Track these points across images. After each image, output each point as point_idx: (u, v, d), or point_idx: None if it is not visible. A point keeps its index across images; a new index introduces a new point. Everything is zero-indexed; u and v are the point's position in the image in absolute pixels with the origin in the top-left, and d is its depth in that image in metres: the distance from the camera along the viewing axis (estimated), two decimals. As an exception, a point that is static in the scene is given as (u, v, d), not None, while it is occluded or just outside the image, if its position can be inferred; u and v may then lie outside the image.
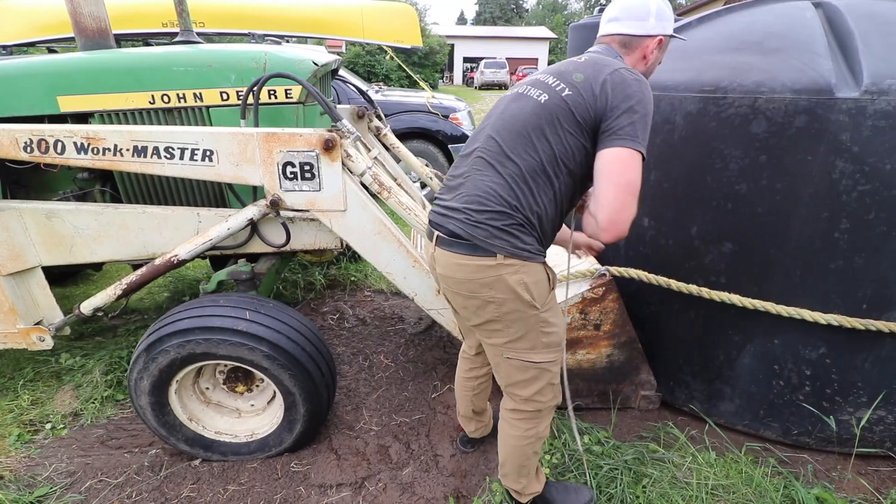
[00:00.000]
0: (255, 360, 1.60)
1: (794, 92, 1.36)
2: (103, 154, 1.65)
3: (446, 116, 4.70)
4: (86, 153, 1.65)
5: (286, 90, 1.88)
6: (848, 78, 1.32)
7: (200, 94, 1.85)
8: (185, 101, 1.86)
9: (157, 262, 1.80)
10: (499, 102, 1.31)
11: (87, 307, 1.83)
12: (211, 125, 1.90)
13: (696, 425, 1.91)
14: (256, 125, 1.79)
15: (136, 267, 2.04)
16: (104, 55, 1.90)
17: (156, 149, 1.65)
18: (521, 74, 29.31)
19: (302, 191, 1.73)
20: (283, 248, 1.94)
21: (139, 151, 1.65)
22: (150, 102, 1.85)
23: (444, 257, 1.23)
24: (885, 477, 1.69)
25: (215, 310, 1.60)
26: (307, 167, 1.69)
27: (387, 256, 1.89)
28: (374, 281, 3.23)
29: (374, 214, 1.81)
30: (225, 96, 1.87)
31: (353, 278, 3.23)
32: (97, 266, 2.62)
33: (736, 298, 1.58)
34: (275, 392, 1.77)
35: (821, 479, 1.65)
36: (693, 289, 1.69)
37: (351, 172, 1.76)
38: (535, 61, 34.42)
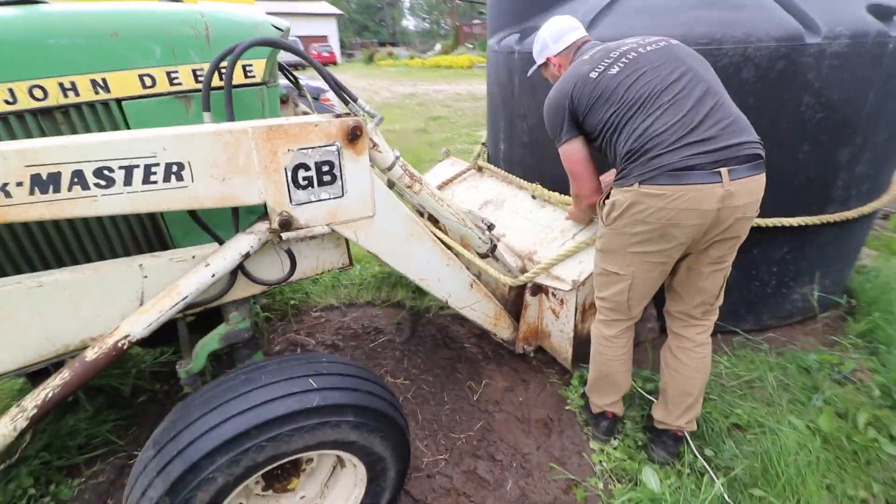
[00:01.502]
0: (339, 438, 1.18)
1: (776, 40, 1.60)
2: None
3: (316, 97, 4.13)
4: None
5: (245, 67, 1.35)
6: (811, 26, 1.62)
7: (104, 80, 1.18)
8: (78, 95, 1.16)
9: (91, 355, 1.14)
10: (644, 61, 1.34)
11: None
12: (127, 127, 1.24)
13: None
14: (232, 119, 1.24)
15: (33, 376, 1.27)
16: None
17: (78, 174, 1.00)
18: (315, 54, 27.60)
19: (320, 200, 1.29)
20: (278, 283, 1.45)
21: (45, 184, 0.97)
22: (6, 102, 1.09)
23: (747, 184, 1.24)
24: (826, 325, 2.25)
25: (263, 392, 1.10)
26: (326, 167, 1.27)
27: (421, 261, 1.60)
28: (317, 298, 2.72)
29: (407, 214, 1.49)
30: (149, 82, 1.23)
31: (292, 302, 2.65)
32: None
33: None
34: (334, 467, 1.36)
35: (789, 345, 2.13)
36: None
37: (377, 166, 1.40)
38: (325, 38, 32.90)
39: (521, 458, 1.69)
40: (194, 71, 1.27)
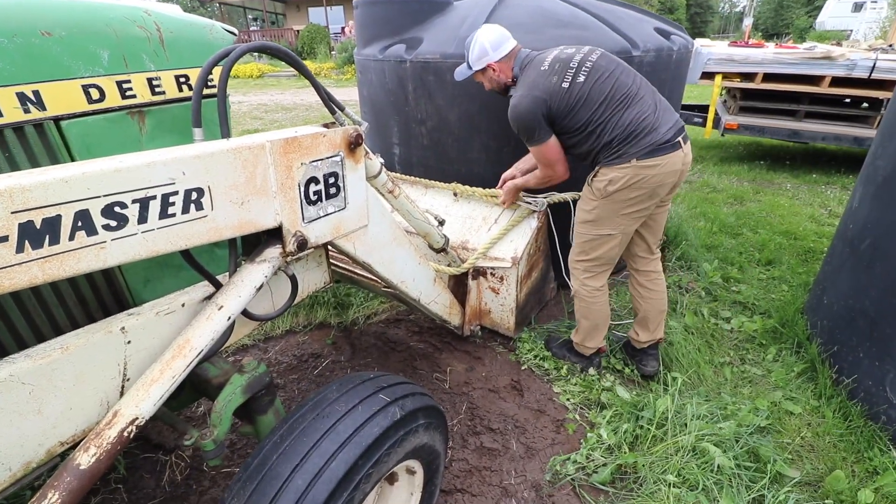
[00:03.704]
0: (417, 444, 1.18)
1: (615, 53, 2.18)
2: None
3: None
4: None
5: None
6: (633, 44, 2.25)
7: (37, 93, 0.88)
8: (0, 115, 0.84)
9: (87, 461, 0.89)
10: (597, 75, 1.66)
11: None
12: (68, 152, 0.95)
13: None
14: (228, 135, 1.07)
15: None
16: None
17: (83, 216, 0.76)
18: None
19: (327, 215, 1.24)
20: (273, 317, 1.32)
21: (39, 235, 0.72)
22: None
23: (688, 146, 1.66)
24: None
25: (349, 421, 1.03)
26: (332, 179, 1.23)
27: (402, 263, 1.65)
28: (224, 342, 2.34)
29: (391, 218, 1.52)
30: (95, 94, 0.96)
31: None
32: None
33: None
34: (393, 475, 1.34)
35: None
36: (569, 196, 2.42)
37: (367, 174, 1.38)
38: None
39: (511, 420, 1.90)
40: (150, 80, 1.05)
